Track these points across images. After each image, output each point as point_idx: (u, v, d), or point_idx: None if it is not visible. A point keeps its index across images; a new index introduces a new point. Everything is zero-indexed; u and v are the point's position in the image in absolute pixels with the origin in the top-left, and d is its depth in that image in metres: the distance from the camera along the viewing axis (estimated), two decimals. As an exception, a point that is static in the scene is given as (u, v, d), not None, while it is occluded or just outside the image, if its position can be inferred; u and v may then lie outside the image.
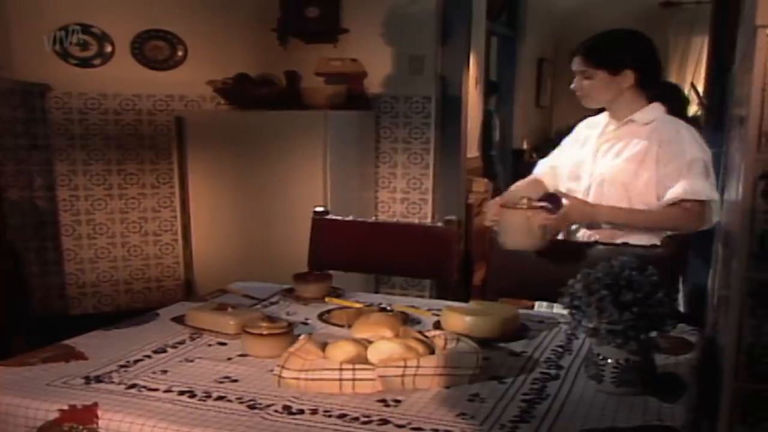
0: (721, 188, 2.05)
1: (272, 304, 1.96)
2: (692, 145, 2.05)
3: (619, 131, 2.17)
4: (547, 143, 7.85)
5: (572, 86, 2.18)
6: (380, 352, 1.38)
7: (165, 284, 4.25)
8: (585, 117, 2.38)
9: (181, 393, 1.31)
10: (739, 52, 1.84)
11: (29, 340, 2.30)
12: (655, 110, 2.14)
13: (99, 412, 1.23)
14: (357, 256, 2.44)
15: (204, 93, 4.05)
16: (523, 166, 7.26)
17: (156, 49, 4.05)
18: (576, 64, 2.14)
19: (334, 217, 2.50)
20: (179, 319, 1.75)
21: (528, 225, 1.95)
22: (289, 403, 1.26)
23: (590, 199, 2.16)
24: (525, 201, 2.01)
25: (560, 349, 1.58)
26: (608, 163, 2.15)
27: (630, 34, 2.18)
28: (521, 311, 1.81)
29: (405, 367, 1.32)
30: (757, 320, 1.09)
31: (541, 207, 1.99)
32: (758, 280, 1.09)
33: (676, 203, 2.02)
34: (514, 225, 1.99)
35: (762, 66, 1.06)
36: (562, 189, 2.23)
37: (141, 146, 4.09)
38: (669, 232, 2.08)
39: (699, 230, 2.08)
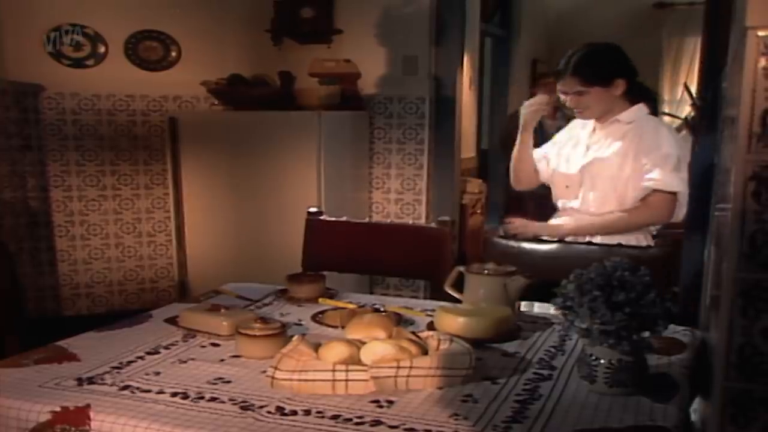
0: (714, 188, 2.07)
1: (266, 305, 1.96)
2: (668, 141, 2.24)
3: (606, 130, 2.33)
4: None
5: (567, 104, 2.31)
6: (373, 353, 1.38)
7: (159, 285, 4.25)
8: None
9: (174, 394, 1.31)
10: (730, 53, 1.85)
11: (22, 341, 2.29)
12: (638, 111, 2.30)
13: (91, 414, 1.23)
14: (351, 257, 2.44)
15: (198, 94, 4.05)
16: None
17: (149, 49, 4.05)
18: (569, 86, 2.26)
19: (327, 218, 2.50)
20: (172, 321, 1.75)
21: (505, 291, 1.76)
22: (282, 404, 1.26)
23: (581, 190, 2.34)
24: (491, 266, 1.82)
25: (553, 350, 1.58)
26: (597, 158, 2.31)
27: (609, 47, 2.32)
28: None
29: (398, 367, 1.32)
30: (747, 320, 1.10)
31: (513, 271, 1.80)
32: (749, 280, 1.09)
33: (644, 197, 2.22)
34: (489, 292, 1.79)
35: (752, 67, 1.06)
36: (551, 174, 2.46)
37: (135, 147, 4.09)
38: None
39: (666, 221, 2.28)
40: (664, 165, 2.20)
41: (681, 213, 2.24)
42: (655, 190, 2.21)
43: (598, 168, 2.30)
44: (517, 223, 2.39)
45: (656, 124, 2.30)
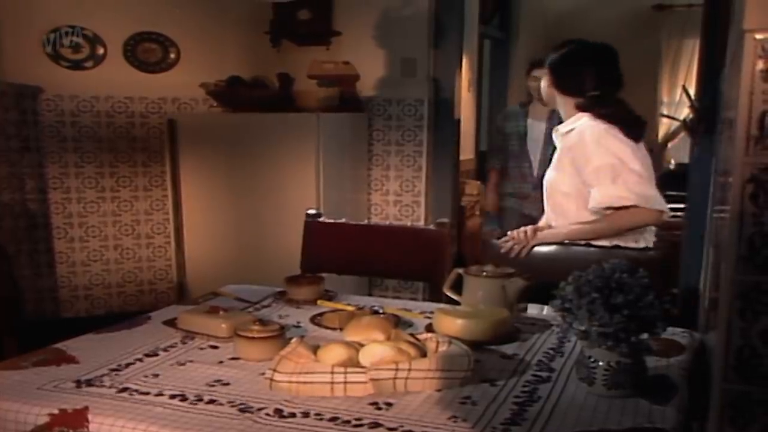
0: (712, 190, 2.07)
1: (264, 307, 1.96)
2: (596, 152, 2.08)
3: (560, 139, 2.28)
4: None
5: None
6: (372, 355, 1.38)
7: (157, 287, 4.24)
8: None
9: (173, 396, 1.31)
10: (729, 55, 1.85)
11: (20, 343, 2.29)
12: (576, 120, 2.20)
13: (90, 416, 1.23)
14: (350, 259, 2.44)
15: (196, 95, 4.04)
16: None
17: (148, 51, 4.05)
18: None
19: (326, 220, 2.50)
20: (171, 323, 1.75)
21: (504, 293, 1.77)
22: (280, 407, 1.26)
23: (545, 202, 2.33)
24: (490, 268, 1.83)
25: (552, 352, 1.58)
26: (551, 169, 2.30)
27: (580, 46, 2.25)
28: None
29: (397, 369, 1.32)
30: (745, 322, 1.10)
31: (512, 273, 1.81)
32: (747, 283, 1.09)
33: (599, 211, 2.11)
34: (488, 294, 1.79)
35: (749, 69, 1.07)
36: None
37: (133, 149, 4.08)
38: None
39: (653, 222, 2.14)
40: (598, 181, 2.07)
41: (654, 214, 2.09)
42: (605, 208, 2.08)
43: (551, 180, 2.28)
44: (513, 242, 2.21)
45: (582, 134, 2.13)
